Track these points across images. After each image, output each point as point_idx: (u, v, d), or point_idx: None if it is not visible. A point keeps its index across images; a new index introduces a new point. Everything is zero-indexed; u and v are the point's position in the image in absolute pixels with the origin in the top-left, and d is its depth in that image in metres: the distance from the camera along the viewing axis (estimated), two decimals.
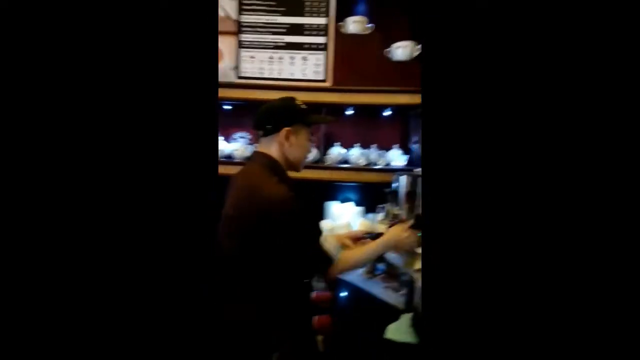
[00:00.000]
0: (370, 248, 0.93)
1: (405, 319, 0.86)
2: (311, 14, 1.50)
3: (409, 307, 0.91)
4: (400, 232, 0.91)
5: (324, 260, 0.81)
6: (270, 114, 0.87)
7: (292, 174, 0.90)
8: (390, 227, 0.97)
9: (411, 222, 0.97)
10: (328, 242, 0.82)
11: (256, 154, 0.89)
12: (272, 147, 0.86)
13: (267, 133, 0.85)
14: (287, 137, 0.84)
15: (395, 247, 0.91)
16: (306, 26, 1.51)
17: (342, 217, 1.58)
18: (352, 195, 1.71)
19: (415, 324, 0.81)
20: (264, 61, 1.54)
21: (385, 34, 1.49)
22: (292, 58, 1.52)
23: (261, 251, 0.77)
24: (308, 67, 1.52)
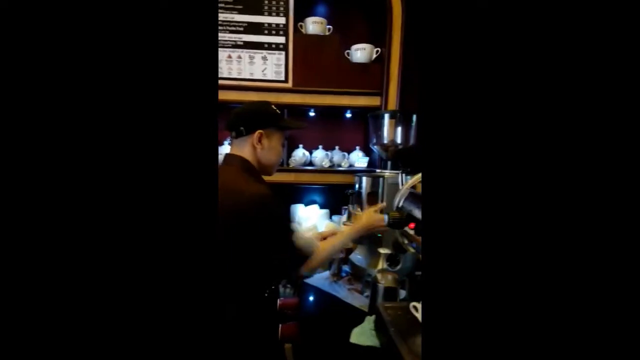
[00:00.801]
0: (348, 232, 0.96)
1: (369, 321, 0.86)
2: (270, 13, 1.47)
3: (372, 309, 0.92)
4: (373, 214, 0.98)
5: (299, 257, 0.81)
6: (243, 116, 0.87)
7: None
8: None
9: (381, 205, 1.02)
10: (302, 239, 0.81)
11: (229, 156, 0.88)
12: (244, 149, 0.86)
13: (240, 135, 0.85)
14: (259, 140, 0.85)
15: (371, 228, 0.97)
16: (265, 25, 1.47)
17: (308, 219, 1.57)
18: (316, 197, 1.71)
19: (377, 327, 0.81)
20: (222, 60, 1.47)
21: (344, 36, 1.50)
22: (251, 57, 1.48)
23: (242, 253, 0.75)
24: (268, 67, 1.48)
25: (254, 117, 0.86)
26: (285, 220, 0.83)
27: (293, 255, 0.81)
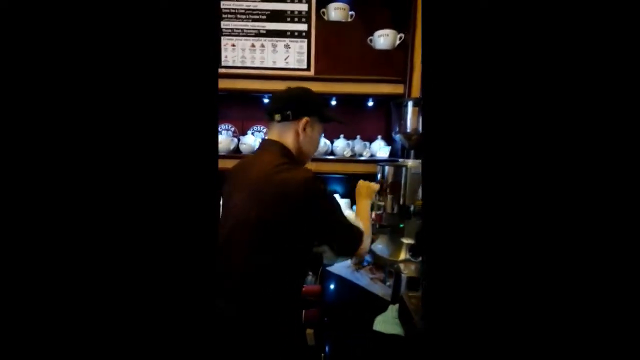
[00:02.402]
0: (363, 206, 0.96)
1: (392, 310, 0.87)
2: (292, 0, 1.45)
3: (395, 298, 0.92)
4: (364, 183, 1.01)
5: (358, 231, 0.80)
6: (292, 99, 0.83)
7: None
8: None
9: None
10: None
11: (268, 142, 0.84)
12: (286, 135, 0.82)
13: (285, 119, 0.81)
14: (304, 127, 0.81)
15: (369, 194, 1.00)
16: (288, 12, 1.46)
17: None
18: (337, 187, 1.71)
19: (401, 315, 0.82)
20: (246, 49, 1.48)
21: (367, 22, 1.46)
22: (274, 46, 1.48)
23: (291, 239, 0.73)
24: (291, 55, 1.47)
25: (302, 103, 0.83)
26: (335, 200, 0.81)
27: (357, 230, 0.79)
